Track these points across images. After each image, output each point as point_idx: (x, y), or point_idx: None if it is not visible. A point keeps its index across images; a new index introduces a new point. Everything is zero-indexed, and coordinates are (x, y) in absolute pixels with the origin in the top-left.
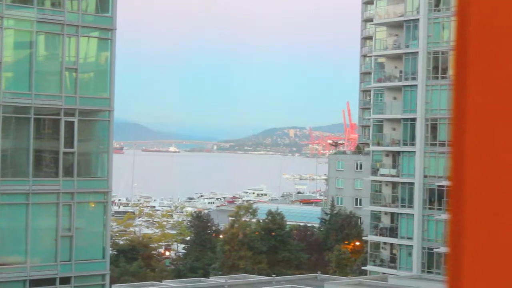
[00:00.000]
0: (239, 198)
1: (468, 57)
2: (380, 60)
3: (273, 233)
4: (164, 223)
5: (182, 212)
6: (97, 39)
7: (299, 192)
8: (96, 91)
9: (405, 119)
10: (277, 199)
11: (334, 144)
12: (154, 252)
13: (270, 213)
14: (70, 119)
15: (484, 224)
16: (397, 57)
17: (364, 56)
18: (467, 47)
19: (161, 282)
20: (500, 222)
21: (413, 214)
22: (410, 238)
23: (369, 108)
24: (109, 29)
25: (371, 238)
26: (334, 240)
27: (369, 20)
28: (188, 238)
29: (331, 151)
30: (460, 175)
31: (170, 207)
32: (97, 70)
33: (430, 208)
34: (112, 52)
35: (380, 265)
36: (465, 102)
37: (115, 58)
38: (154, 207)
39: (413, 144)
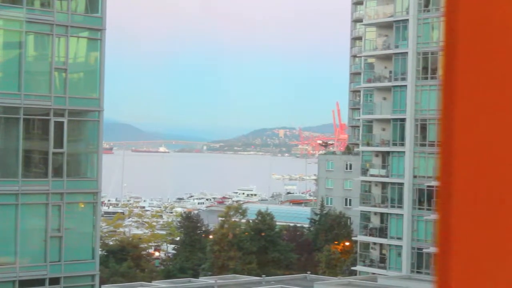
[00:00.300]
0: (229, 198)
1: (456, 57)
2: (370, 60)
3: (263, 234)
4: (154, 223)
5: (171, 212)
6: (86, 39)
7: (288, 193)
8: (85, 91)
9: (395, 120)
10: (266, 200)
11: (323, 144)
12: (144, 252)
13: (260, 213)
14: (59, 119)
15: (472, 224)
16: (387, 58)
17: (354, 56)
18: (456, 47)
19: (150, 282)
20: (488, 222)
21: (402, 215)
22: (399, 238)
23: (359, 109)
24: (98, 29)
25: (360, 238)
26: (324, 240)
27: (359, 20)
28: (177, 238)
29: (320, 152)
30: (448, 175)
31: (159, 207)
32: (86, 70)
33: (419, 208)
34: (102, 52)
35: (370, 265)
36: (453, 102)
37: (104, 58)
38: (143, 207)
39: (402, 145)
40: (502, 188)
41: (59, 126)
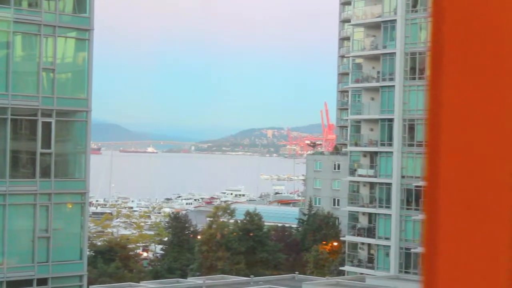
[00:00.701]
0: (217, 198)
1: (443, 57)
2: (358, 60)
3: (251, 234)
4: (142, 224)
5: (159, 213)
6: (74, 40)
7: (277, 193)
8: (73, 91)
9: (383, 120)
10: (255, 200)
11: (312, 144)
12: (132, 253)
13: (248, 213)
14: (47, 119)
15: (458, 224)
16: (375, 58)
17: (342, 56)
18: (442, 48)
19: (138, 283)
20: (474, 222)
21: (390, 215)
22: (387, 239)
23: (347, 109)
24: (86, 30)
25: (348, 238)
26: (312, 240)
27: (347, 20)
28: (165, 239)
29: (309, 152)
30: (435, 175)
31: (147, 208)
32: (74, 71)
33: (407, 209)
34: (90, 53)
35: (358, 266)
36: (440, 103)
37: (92, 58)
38: (131, 208)
39: (390, 145)
40: (488, 188)
41: (46, 126)
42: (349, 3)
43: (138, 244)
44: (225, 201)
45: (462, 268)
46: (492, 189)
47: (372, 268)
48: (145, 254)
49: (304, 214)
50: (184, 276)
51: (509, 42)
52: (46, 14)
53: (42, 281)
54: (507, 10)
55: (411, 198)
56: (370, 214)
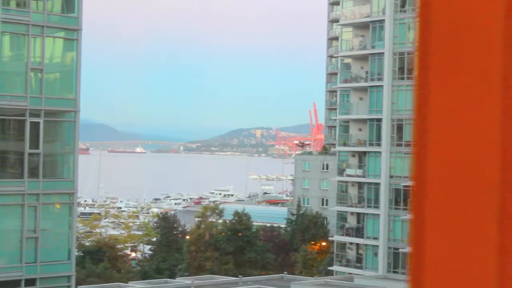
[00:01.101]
0: (206, 198)
1: (430, 57)
2: (346, 60)
3: (240, 234)
4: (130, 224)
5: (148, 213)
6: (62, 40)
7: (265, 193)
8: (61, 91)
9: (371, 120)
10: (243, 200)
11: (300, 144)
12: (120, 253)
13: (236, 213)
14: (35, 119)
15: (445, 224)
16: (363, 58)
17: (331, 56)
18: (429, 48)
19: (127, 283)
20: (461, 222)
21: (379, 214)
22: (376, 238)
23: (336, 109)
24: (74, 30)
25: (337, 238)
26: (301, 240)
27: (335, 20)
28: (154, 239)
29: (297, 152)
30: (422, 175)
31: (136, 208)
32: (63, 71)
33: (396, 208)
34: (78, 53)
35: (346, 265)
36: (427, 103)
37: (81, 58)
38: (120, 208)
39: (379, 145)
40: (475, 188)
41: (35, 126)
42: (337, 3)
43: (126, 245)
44: (213, 201)
45: (449, 268)
46: (479, 189)
47: (361, 268)
48: (133, 254)
49: (293, 214)
50: (172, 276)
51: (496, 41)
52: (34, 14)
53: (30, 282)
54: (494, 10)
55: (400, 198)
56: (358, 214)
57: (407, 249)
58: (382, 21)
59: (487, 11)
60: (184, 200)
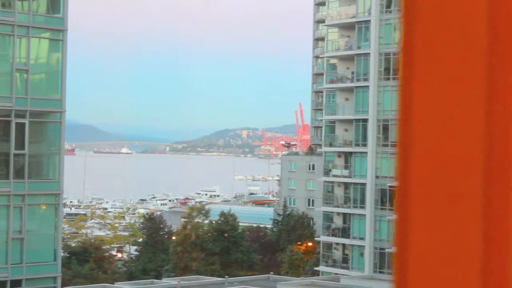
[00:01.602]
0: (192, 199)
1: (414, 57)
2: (332, 61)
3: (226, 234)
4: (116, 224)
5: (134, 213)
6: (48, 40)
7: (251, 193)
8: (47, 92)
9: (357, 120)
10: (229, 200)
11: (286, 145)
12: (106, 254)
13: (222, 214)
14: (21, 120)
15: (429, 224)
16: (349, 58)
17: (317, 57)
18: (413, 48)
19: (113, 284)
20: (445, 222)
21: (365, 215)
22: (362, 239)
23: (322, 109)
24: (60, 30)
25: (323, 238)
26: (287, 241)
27: (321, 21)
28: (140, 239)
29: (283, 152)
30: (406, 176)
31: (122, 208)
32: (48, 71)
33: (382, 209)
34: (64, 53)
35: (333, 266)
36: (411, 102)
37: (66, 59)
38: (106, 208)
39: (365, 145)
40: (459, 188)
41: (20, 127)
42: (323, 4)
43: (112, 245)
44: (199, 202)
45: (433, 268)
46: (463, 189)
47: (347, 268)
48: (119, 255)
49: (279, 215)
50: (158, 277)
51: (480, 41)
52: (19, 15)
53: (16, 283)
54: (478, 9)
55: (386, 198)
56: (344, 214)
57: (393, 249)
58: (368, 21)
59: (470, 10)
60: (170, 200)
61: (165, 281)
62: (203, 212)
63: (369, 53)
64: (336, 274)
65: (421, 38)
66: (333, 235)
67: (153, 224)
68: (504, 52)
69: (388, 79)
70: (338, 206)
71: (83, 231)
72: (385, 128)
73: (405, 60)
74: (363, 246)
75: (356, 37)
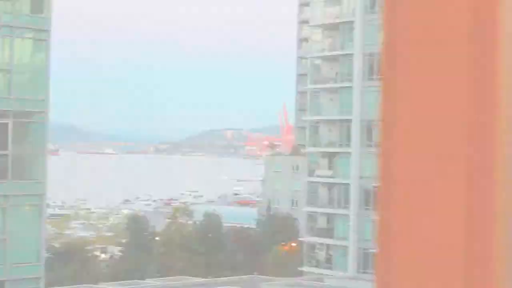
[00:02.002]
0: (176, 200)
1: (396, 58)
2: (317, 62)
3: (210, 235)
4: (100, 225)
5: (118, 214)
6: (32, 40)
7: (236, 194)
8: (31, 92)
9: (341, 121)
10: (214, 201)
11: (270, 145)
12: (90, 255)
13: (206, 214)
14: (4, 121)
15: (412, 225)
16: (333, 59)
17: (301, 58)
18: (396, 48)
19: (97, 285)
20: (427, 222)
21: (349, 215)
22: (346, 239)
23: (306, 110)
24: (44, 30)
25: (307, 239)
26: (271, 241)
27: (306, 21)
28: (124, 240)
29: (267, 153)
30: (387, 176)
31: (106, 209)
32: (32, 72)
33: (366, 209)
34: (47, 53)
35: (316, 266)
36: (394, 103)
37: (50, 59)
38: (89, 209)
39: (349, 145)
40: (442, 188)
41: (3, 128)
42: (307, 5)
43: (96, 246)
44: (184, 202)
45: (415, 268)
46: (446, 190)
47: (331, 268)
48: (103, 256)
49: (263, 215)
50: (143, 277)
51: (463, 42)
52: (3, 15)
53: None
54: (460, 9)
55: (370, 198)
56: (328, 215)
57: (376, 249)
58: (352, 22)
59: (452, 10)
60: (154, 201)
61: (149, 281)
62: (187, 212)
63: (353, 54)
64: (320, 274)
65: (403, 38)
66: (317, 236)
67: (137, 225)
68: (487, 52)
69: (372, 79)
70: (322, 207)
71: (67, 232)
72: (369, 129)
73: (387, 60)
74: (347, 247)
75: (340, 37)
